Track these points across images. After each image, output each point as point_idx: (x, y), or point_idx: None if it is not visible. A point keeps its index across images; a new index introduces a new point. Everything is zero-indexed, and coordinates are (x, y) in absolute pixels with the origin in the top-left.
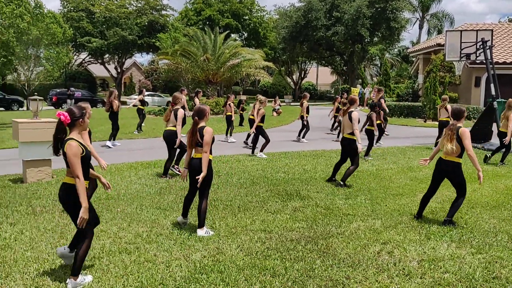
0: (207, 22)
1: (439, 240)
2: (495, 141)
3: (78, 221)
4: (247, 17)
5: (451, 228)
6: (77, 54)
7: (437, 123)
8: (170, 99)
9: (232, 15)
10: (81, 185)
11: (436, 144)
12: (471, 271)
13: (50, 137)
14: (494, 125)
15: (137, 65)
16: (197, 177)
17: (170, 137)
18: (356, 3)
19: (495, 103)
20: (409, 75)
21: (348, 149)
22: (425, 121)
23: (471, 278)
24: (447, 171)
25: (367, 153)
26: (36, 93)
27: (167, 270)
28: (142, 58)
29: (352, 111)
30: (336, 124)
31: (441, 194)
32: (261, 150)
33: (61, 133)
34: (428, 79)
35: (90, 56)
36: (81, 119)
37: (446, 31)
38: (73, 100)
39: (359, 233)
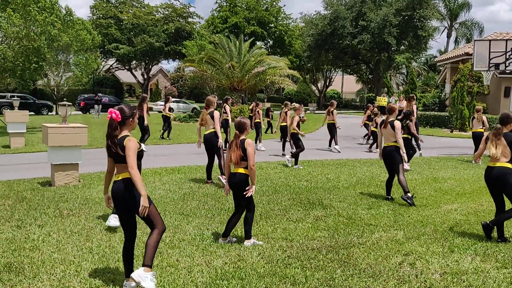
0: (233, 30)
1: (463, 253)
2: None
3: (140, 210)
4: (272, 25)
5: (476, 241)
6: (105, 60)
7: (464, 133)
8: (195, 105)
9: (258, 23)
10: (138, 175)
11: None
12: (496, 286)
13: (78, 142)
14: None
15: (163, 72)
16: (246, 189)
17: (211, 140)
18: (382, 11)
19: None
20: (435, 84)
21: (392, 156)
22: (451, 131)
23: None
24: (496, 178)
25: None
26: (65, 98)
27: (188, 275)
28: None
29: (393, 120)
30: (367, 133)
31: (466, 206)
32: (296, 162)
33: (114, 131)
34: (455, 88)
35: (117, 62)
36: (131, 119)
37: (475, 40)
38: (101, 105)
39: (381, 244)
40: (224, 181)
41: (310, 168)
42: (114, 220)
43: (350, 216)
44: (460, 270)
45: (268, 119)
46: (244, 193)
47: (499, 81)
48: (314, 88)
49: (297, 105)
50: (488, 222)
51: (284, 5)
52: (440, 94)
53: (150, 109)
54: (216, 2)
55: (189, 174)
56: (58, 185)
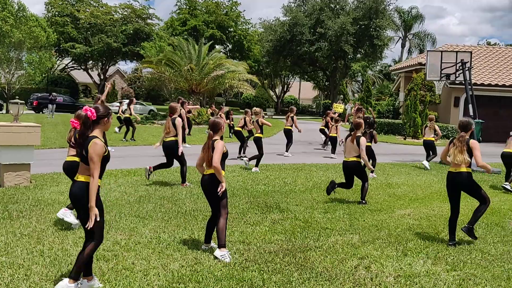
0: (192, 33)
1: (416, 257)
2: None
3: (89, 223)
4: (232, 29)
5: (428, 244)
6: (60, 59)
7: (416, 140)
8: (152, 107)
9: (217, 27)
10: (95, 185)
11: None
12: None
13: (30, 141)
14: None
15: (120, 73)
16: (218, 190)
17: (171, 148)
18: (340, 19)
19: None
20: (390, 92)
21: (355, 170)
22: (404, 139)
23: None
24: (461, 183)
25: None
26: (17, 97)
27: (144, 278)
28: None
29: (360, 136)
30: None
31: (419, 211)
32: (256, 165)
33: (88, 129)
34: (409, 97)
35: (73, 61)
36: (106, 118)
37: (428, 51)
38: (55, 105)
39: (337, 247)
40: (188, 185)
41: (268, 172)
42: (70, 217)
43: (307, 219)
44: (413, 273)
45: (228, 122)
46: (218, 190)
47: (449, 91)
48: (272, 93)
49: (257, 109)
50: (466, 225)
51: (244, 10)
52: (394, 102)
53: None
54: (176, 5)
55: (145, 176)
56: (7, 186)
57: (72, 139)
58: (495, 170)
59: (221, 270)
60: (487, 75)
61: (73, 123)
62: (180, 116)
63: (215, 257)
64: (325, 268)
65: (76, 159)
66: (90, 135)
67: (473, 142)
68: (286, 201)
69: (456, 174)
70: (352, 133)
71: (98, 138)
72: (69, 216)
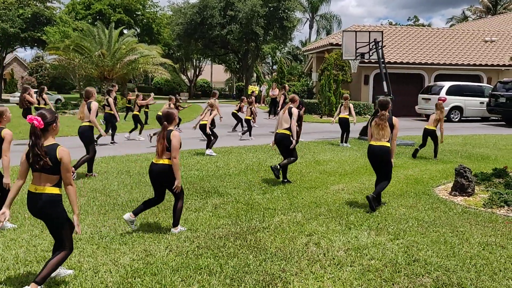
0: (97, 17)
1: (359, 229)
2: None
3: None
4: (140, 13)
5: (368, 216)
6: None
7: (332, 118)
8: (59, 96)
9: (124, 10)
10: (74, 193)
11: (341, 140)
12: (394, 256)
13: None
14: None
15: (18, 60)
16: (173, 187)
17: (86, 133)
18: (250, 1)
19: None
20: (299, 73)
21: (284, 143)
22: (321, 117)
23: (395, 262)
24: (381, 156)
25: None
26: None
27: (96, 276)
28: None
29: (292, 107)
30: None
31: (351, 186)
32: (210, 147)
33: (39, 139)
34: (322, 77)
35: None
36: (54, 124)
37: (343, 31)
38: None
39: (284, 226)
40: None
41: (198, 157)
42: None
43: (247, 201)
44: (360, 245)
45: (146, 110)
46: (173, 189)
47: (359, 70)
48: (184, 77)
49: (212, 100)
50: (371, 194)
51: None
52: (308, 83)
53: (7, 101)
54: None
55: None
56: None
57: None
58: (408, 143)
59: (174, 260)
60: (393, 53)
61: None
62: (108, 104)
63: (173, 233)
64: (278, 248)
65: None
66: (48, 144)
67: (396, 120)
68: (223, 185)
69: (376, 146)
70: (286, 105)
71: (61, 145)
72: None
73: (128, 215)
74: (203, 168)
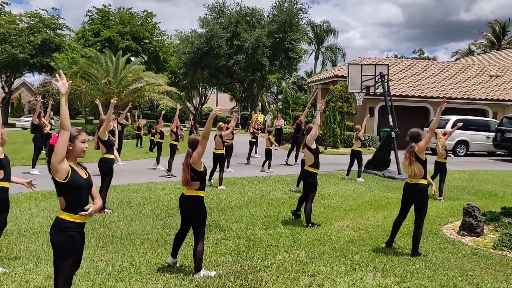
0: (106, 44)
1: (364, 270)
2: (393, 168)
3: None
4: (147, 41)
5: (373, 256)
6: None
7: (336, 150)
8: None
9: (132, 38)
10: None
11: (348, 173)
12: None
13: None
14: (392, 153)
15: (26, 85)
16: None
17: (102, 165)
18: (256, 32)
19: (393, 133)
20: (303, 103)
21: (304, 182)
22: (325, 149)
23: None
24: (413, 194)
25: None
26: None
27: None
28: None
29: (307, 140)
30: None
31: (356, 222)
32: (220, 183)
33: None
34: (328, 108)
35: None
36: (69, 142)
37: (348, 64)
38: None
39: (286, 265)
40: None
41: None
42: None
43: (249, 237)
44: (365, 287)
45: (152, 138)
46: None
47: (364, 101)
48: (189, 105)
49: (221, 123)
50: (410, 253)
51: (160, 22)
52: (313, 113)
53: (13, 125)
54: (87, 15)
55: None
56: None
57: None
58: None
59: None
60: (398, 86)
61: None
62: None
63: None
64: None
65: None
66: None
67: (418, 147)
68: (225, 218)
69: (410, 185)
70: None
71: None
72: None
73: (169, 260)
74: (205, 200)
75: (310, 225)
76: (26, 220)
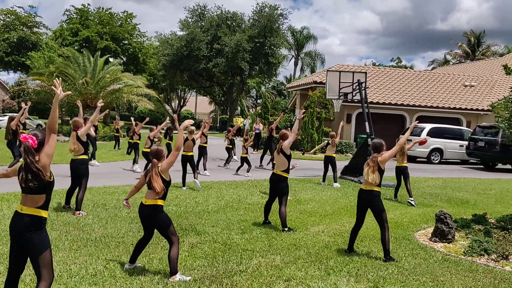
0: (84, 44)
1: (339, 275)
2: None
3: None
4: (126, 42)
5: (347, 261)
6: None
7: (314, 155)
8: (39, 122)
9: (111, 38)
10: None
11: (324, 179)
12: None
13: None
14: None
15: (1, 84)
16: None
17: (84, 166)
18: (236, 36)
19: (369, 140)
20: (282, 108)
21: (277, 186)
22: (303, 154)
23: None
24: (369, 200)
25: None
26: None
27: None
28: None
29: (282, 145)
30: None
31: (331, 228)
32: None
33: (34, 157)
34: (306, 114)
35: None
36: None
37: (327, 70)
38: None
39: (261, 270)
40: (83, 214)
41: (177, 191)
42: None
43: (225, 241)
44: None
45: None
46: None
47: (342, 108)
48: (168, 107)
49: (193, 128)
50: (384, 259)
51: (140, 23)
52: (291, 118)
53: None
54: (65, 14)
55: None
56: None
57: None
58: (389, 184)
59: None
60: (375, 93)
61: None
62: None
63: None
64: None
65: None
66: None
67: (381, 157)
68: (201, 222)
69: (366, 191)
70: (278, 145)
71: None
72: None
73: (126, 266)
74: (181, 204)
75: (286, 229)
76: None
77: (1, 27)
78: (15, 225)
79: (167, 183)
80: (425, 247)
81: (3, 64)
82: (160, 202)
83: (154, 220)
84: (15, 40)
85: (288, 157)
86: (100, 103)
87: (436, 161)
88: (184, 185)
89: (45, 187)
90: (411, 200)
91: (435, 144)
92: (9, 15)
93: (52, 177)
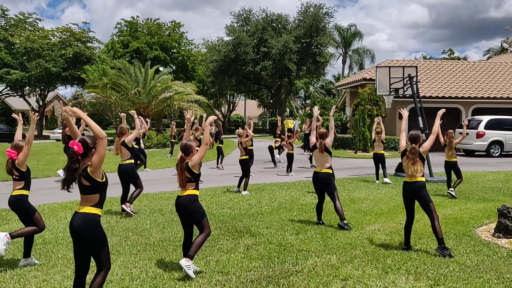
0: (135, 55)
1: (397, 273)
2: (425, 170)
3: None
4: (175, 50)
5: (405, 259)
6: None
7: (367, 154)
8: None
9: (160, 48)
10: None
11: (377, 177)
12: None
13: None
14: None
15: (60, 98)
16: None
17: (131, 171)
18: (283, 38)
19: (423, 135)
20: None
21: (326, 183)
22: (355, 153)
23: None
24: (414, 192)
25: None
26: None
27: None
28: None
29: (324, 143)
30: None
31: (387, 226)
32: (245, 189)
33: (74, 163)
34: (357, 112)
35: (8, 88)
36: (94, 149)
37: (377, 66)
38: None
39: (318, 270)
40: (128, 209)
41: (231, 194)
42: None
43: (280, 242)
44: None
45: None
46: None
47: (394, 104)
48: (218, 112)
49: (240, 130)
50: (437, 247)
51: (187, 32)
52: (342, 117)
53: (47, 137)
54: (116, 27)
55: (104, 206)
56: None
57: (14, 171)
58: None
59: None
60: (428, 87)
61: (9, 153)
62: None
63: (180, 265)
64: None
65: (24, 192)
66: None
67: (422, 147)
68: (256, 224)
69: (410, 183)
70: (318, 143)
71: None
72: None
73: (182, 261)
74: (235, 206)
75: (344, 221)
76: (63, 229)
77: (58, 44)
78: (73, 224)
79: (197, 176)
80: (488, 243)
81: (61, 79)
82: (195, 192)
83: (189, 209)
84: (70, 55)
85: (331, 154)
86: (135, 113)
87: (497, 154)
88: (239, 186)
89: (97, 187)
90: (452, 191)
91: (494, 137)
92: (64, 32)
93: (104, 178)
